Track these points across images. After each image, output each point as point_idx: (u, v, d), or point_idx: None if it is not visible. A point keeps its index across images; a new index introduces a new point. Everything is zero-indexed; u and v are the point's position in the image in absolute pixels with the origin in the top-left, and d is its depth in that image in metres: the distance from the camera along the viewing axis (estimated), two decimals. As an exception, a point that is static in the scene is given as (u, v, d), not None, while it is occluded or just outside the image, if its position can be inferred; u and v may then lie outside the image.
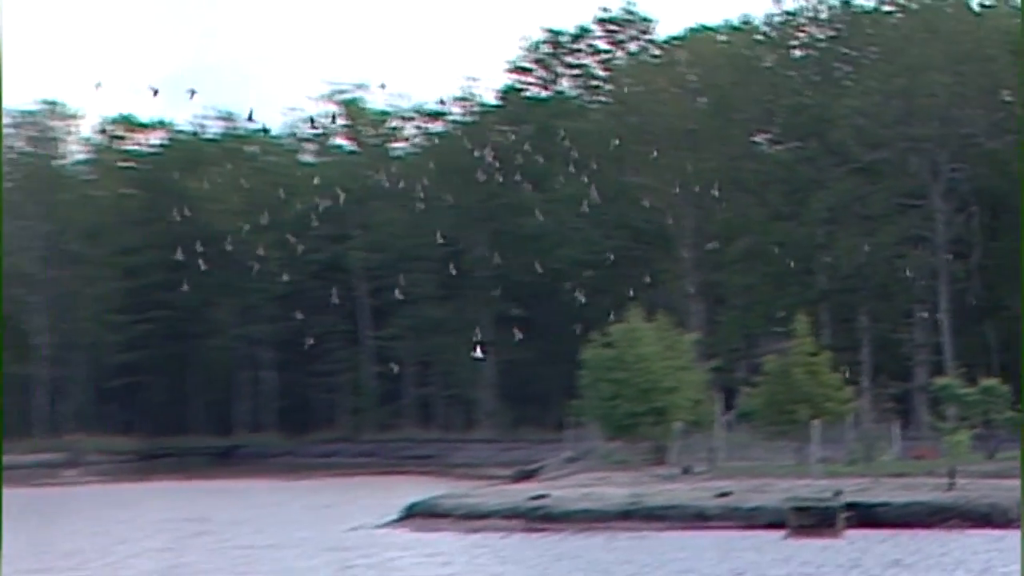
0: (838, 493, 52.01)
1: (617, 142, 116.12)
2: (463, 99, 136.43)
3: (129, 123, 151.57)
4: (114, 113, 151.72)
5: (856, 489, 54.16)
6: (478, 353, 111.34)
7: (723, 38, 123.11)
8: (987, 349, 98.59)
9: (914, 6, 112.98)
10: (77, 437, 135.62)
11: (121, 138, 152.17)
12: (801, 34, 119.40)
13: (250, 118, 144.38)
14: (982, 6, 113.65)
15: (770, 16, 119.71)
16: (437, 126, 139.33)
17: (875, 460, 65.05)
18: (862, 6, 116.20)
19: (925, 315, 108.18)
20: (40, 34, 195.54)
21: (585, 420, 79.22)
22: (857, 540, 46.67)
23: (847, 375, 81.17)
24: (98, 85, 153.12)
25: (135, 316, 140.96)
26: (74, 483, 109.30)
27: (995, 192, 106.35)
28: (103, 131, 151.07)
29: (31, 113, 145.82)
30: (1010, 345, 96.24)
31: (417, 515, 57.13)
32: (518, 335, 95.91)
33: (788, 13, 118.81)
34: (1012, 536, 46.33)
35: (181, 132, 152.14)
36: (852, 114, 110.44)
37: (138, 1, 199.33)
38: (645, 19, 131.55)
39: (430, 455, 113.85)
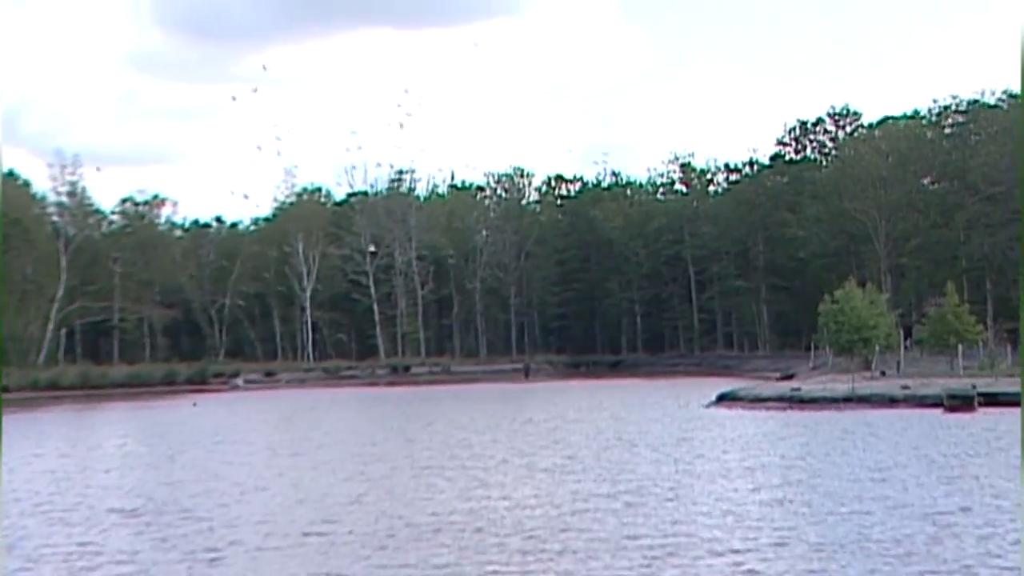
0: (974, 387, 51.42)
1: (838, 183, 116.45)
2: (750, 162, 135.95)
3: (560, 178, 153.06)
4: (551, 172, 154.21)
5: (985, 384, 53.01)
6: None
7: (902, 123, 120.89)
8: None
9: (1021, 101, 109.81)
10: (531, 355, 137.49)
11: (554, 187, 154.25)
12: (948, 119, 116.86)
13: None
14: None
15: (931, 109, 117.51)
16: (734, 176, 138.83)
17: (996, 367, 62.92)
18: (987, 102, 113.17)
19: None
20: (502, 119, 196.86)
21: (821, 344, 79.72)
22: (987, 415, 46.06)
23: (979, 317, 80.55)
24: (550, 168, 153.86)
25: (564, 287, 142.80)
26: (529, 382, 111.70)
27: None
28: (547, 182, 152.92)
29: (507, 175, 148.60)
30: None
31: (725, 399, 57.86)
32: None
33: (943, 107, 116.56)
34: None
35: (588, 182, 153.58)
36: (980, 164, 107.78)
37: (551, 104, 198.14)
38: (856, 112, 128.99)
39: (731, 365, 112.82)
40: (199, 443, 44.92)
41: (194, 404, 73.85)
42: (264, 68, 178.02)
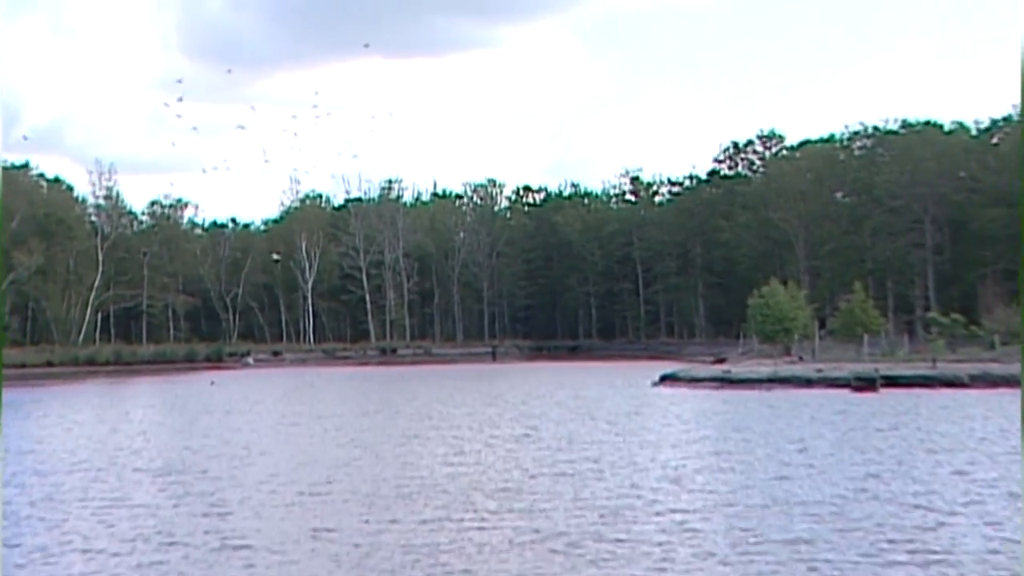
0: (877, 371, 51.59)
1: (765, 196, 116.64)
2: (690, 176, 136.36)
3: (527, 188, 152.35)
4: (520, 183, 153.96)
5: (886, 368, 53.17)
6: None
7: (819, 145, 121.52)
8: (952, 298, 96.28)
9: (917, 129, 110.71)
10: (501, 341, 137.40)
11: (522, 196, 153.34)
12: (858, 142, 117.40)
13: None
14: (949, 131, 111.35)
15: (843, 134, 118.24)
16: (676, 188, 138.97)
17: (896, 354, 63.38)
18: (890, 128, 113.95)
19: (919, 280, 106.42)
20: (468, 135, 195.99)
21: (749, 333, 79.62)
22: (887, 395, 46.29)
23: (881, 311, 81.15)
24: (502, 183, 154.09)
25: (529, 282, 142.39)
26: (497, 363, 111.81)
27: (956, 220, 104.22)
28: (516, 192, 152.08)
29: (482, 185, 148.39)
30: (965, 296, 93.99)
31: (667, 379, 57.99)
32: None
33: (853, 132, 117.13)
34: (962, 394, 46.71)
35: (551, 192, 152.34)
36: (884, 181, 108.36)
37: (521, 123, 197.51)
38: (780, 136, 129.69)
39: (672, 350, 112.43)
40: (213, 413, 44.59)
41: (212, 383, 72.89)
42: (228, 71, 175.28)
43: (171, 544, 16.79)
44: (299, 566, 15.07)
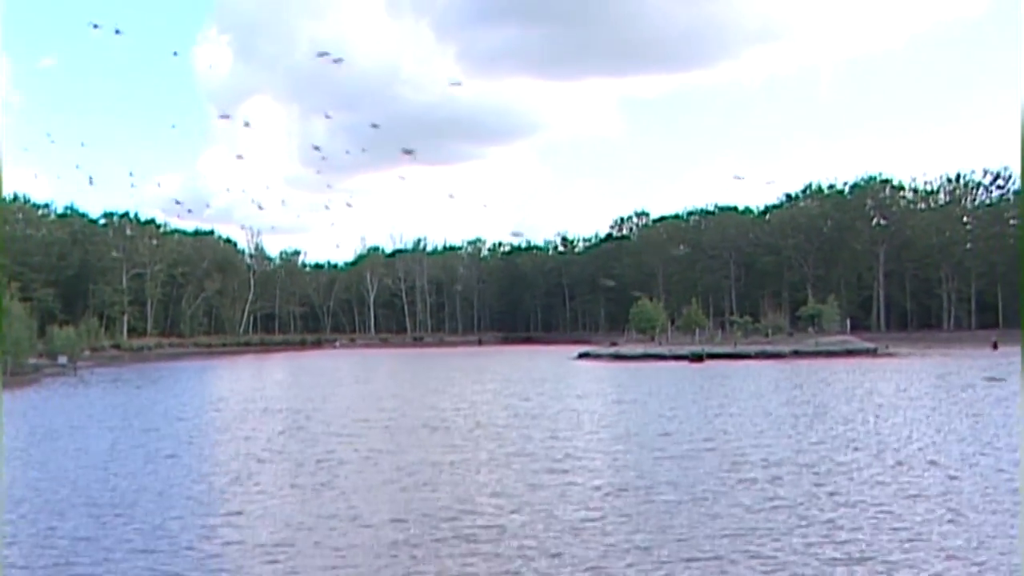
0: (704, 350, 51.08)
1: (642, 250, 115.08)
2: (595, 236, 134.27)
3: (499, 244, 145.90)
4: (495, 240, 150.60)
5: (709, 348, 52.45)
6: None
7: (670, 220, 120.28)
8: (745, 307, 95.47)
9: (726, 210, 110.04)
10: (483, 333, 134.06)
11: (497, 248, 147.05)
12: (694, 217, 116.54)
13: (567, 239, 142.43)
14: (743, 212, 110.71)
15: (684, 213, 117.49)
16: (588, 243, 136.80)
17: (714, 340, 62.04)
18: (711, 211, 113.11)
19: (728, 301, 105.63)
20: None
21: (631, 329, 77.54)
22: (710, 365, 45.36)
23: (706, 315, 79.98)
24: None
25: (501, 298, 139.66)
26: (480, 347, 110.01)
27: (747, 263, 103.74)
28: (494, 246, 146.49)
29: (473, 242, 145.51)
30: (753, 307, 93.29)
31: (583, 356, 56.42)
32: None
33: (689, 212, 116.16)
34: (752, 363, 45.79)
35: (515, 246, 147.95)
36: (707, 240, 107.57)
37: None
38: (647, 212, 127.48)
39: (586, 338, 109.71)
40: (312, 375, 43.08)
41: (336, 345, 69.95)
42: (321, 173, 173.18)
43: (280, 456, 15.49)
44: (363, 475, 13.90)
